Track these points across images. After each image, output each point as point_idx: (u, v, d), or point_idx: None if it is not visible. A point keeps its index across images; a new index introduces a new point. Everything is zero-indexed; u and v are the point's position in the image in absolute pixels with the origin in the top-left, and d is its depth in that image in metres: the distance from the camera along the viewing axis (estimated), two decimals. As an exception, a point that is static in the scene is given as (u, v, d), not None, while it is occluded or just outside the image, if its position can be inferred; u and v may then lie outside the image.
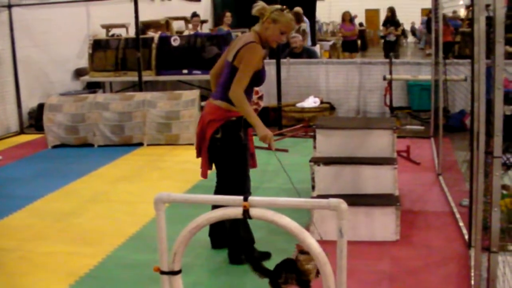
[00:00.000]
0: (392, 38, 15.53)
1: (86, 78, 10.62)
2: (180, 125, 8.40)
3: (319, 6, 19.18)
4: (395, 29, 15.53)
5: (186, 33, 11.29)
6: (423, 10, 25.28)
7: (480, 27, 3.56)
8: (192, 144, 8.28)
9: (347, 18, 16.12)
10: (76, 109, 8.58)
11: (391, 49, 14.91)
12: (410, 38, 30.19)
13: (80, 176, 6.95)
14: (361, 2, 28.96)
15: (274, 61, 9.18)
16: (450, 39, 15.03)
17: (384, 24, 15.92)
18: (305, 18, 12.34)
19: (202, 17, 17.00)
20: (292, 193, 6.01)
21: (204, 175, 4.35)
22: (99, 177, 6.97)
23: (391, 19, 15.65)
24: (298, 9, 11.79)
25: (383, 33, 16.26)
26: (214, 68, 4.47)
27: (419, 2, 22.21)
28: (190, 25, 12.71)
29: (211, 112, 4.20)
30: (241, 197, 2.39)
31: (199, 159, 4.49)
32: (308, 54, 10.56)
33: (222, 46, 9.69)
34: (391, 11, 15.75)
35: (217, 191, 4.46)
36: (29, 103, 10.18)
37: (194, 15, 12.63)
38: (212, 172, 4.41)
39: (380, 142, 5.13)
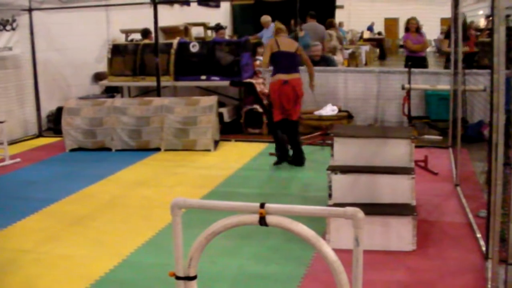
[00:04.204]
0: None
1: (105, 82, 10.68)
2: (197, 131, 8.41)
3: (338, 14, 19.13)
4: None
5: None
6: (442, 19, 25.06)
7: (500, 37, 3.55)
8: (209, 150, 8.31)
9: (413, 27, 11.04)
10: (94, 113, 8.63)
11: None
12: (429, 48, 29.97)
13: (97, 180, 6.99)
14: (380, 11, 28.89)
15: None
16: (473, 49, 12.61)
17: (446, 36, 11.68)
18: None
19: (221, 24, 17.08)
20: (307, 201, 6.00)
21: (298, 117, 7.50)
22: (116, 182, 7.01)
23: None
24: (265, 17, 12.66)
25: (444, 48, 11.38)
26: (267, 58, 7.31)
27: (439, 12, 21.93)
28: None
29: (297, 81, 7.25)
30: (257, 204, 2.38)
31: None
32: (326, 62, 10.52)
33: (240, 52, 9.70)
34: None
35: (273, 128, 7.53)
36: (48, 106, 10.26)
37: (220, 27, 12.38)
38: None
39: (398, 151, 5.11)
